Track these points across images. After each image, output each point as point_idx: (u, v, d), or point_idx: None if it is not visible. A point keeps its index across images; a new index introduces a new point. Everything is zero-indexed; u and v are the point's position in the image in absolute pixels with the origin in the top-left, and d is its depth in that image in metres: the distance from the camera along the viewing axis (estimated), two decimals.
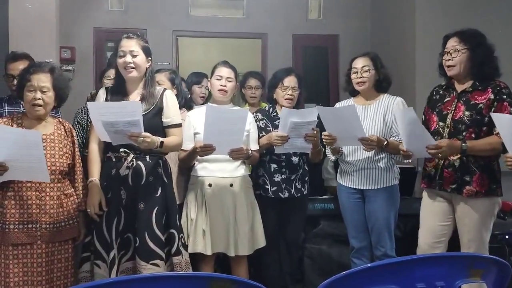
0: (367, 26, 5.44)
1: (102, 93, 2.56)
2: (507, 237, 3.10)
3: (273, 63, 4.98)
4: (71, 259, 2.41)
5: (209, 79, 2.91)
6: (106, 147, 2.48)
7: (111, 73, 3.19)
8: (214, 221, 2.68)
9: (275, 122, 2.95)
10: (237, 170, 2.76)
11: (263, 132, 2.93)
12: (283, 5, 5.40)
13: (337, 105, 3.05)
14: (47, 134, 2.38)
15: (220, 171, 2.72)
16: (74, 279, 2.43)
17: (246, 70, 3.77)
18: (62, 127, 2.47)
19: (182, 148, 2.75)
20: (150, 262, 2.39)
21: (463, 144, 2.40)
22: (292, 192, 2.96)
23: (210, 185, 2.71)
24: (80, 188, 2.48)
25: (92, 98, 3.15)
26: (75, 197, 2.45)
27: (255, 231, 2.77)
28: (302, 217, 3.10)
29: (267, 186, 2.95)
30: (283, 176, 2.95)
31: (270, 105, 3.11)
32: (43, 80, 2.33)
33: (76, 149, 2.49)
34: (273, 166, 2.96)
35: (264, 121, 3.01)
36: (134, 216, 2.43)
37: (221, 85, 2.79)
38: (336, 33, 5.48)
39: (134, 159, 2.44)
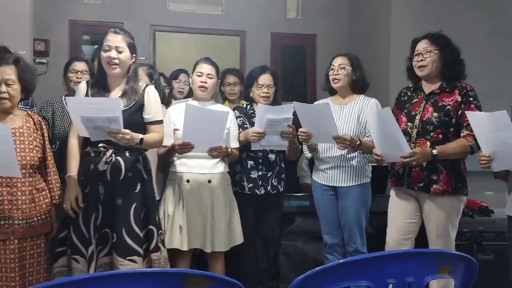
0: (344, 27, 5.50)
1: (83, 87, 2.52)
2: (475, 234, 3.19)
3: (252, 60, 4.99)
4: (43, 254, 2.39)
5: (190, 75, 2.90)
6: (85, 142, 2.45)
7: (77, 66, 3.15)
8: (191, 217, 2.68)
9: (252, 120, 2.97)
10: (216, 167, 2.77)
11: (240, 129, 2.94)
12: (262, 3, 5.41)
13: (314, 103, 3.10)
14: (16, 127, 2.33)
15: (199, 167, 2.72)
16: (47, 274, 2.40)
17: (225, 67, 3.77)
18: (31, 120, 2.42)
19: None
20: (127, 258, 2.38)
21: (433, 151, 2.46)
22: (268, 189, 2.98)
23: (188, 181, 2.71)
24: (53, 181, 2.45)
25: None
26: (47, 191, 2.42)
27: (233, 227, 2.78)
28: (278, 214, 3.13)
29: (243, 183, 2.97)
30: (260, 173, 2.97)
31: (248, 103, 3.13)
32: (7, 72, 2.28)
33: (47, 142, 2.45)
34: (250, 163, 2.98)
35: (242, 118, 3.03)
36: (112, 211, 2.41)
37: (202, 82, 2.78)
38: (314, 32, 5.53)
39: (113, 155, 2.41)
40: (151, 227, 2.50)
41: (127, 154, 2.45)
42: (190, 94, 3.33)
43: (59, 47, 5.03)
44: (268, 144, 2.84)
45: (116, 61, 2.43)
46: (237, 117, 2.99)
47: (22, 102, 2.65)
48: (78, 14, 5.12)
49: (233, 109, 3.08)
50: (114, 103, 2.24)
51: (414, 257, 1.39)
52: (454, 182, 2.55)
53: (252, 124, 2.94)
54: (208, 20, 5.38)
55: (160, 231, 2.56)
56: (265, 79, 2.99)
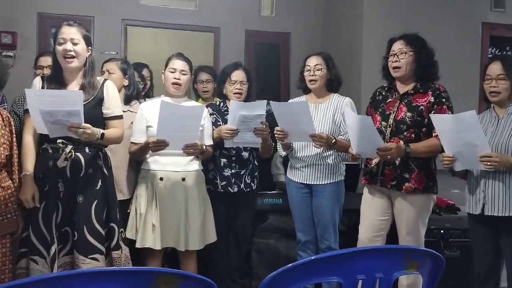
0: (318, 26, 5.53)
1: (38, 82, 2.44)
2: (442, 231, 3.27)
3: (226, 58, 4.96)
4: (9, 254, 2.31)
5: (163, 71, 2.86)
6: (41, 138, 2.38)
7: (43, 61, 3.07)
8: (164, 216, 2.65)
9: (225, 117, 2.96)
10: (190, 165, 2.74)
11: (213, 127, 2.93)
12: (236, 0, 5.39)
13: (290, 102, 3.12)
14: None
15: (173, 165, 2.69)
16: (12, 275, 2.32)
17: (198, 64, 3.75)
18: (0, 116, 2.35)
19: (133, 141, 2.70)
20: (89, 256, 2.34)
21: (406, 147, 2.52)
22: (241, 187, 2.98)
23: (161, 179, 2.68)
24: (17, 180, 2.38)
25: None
26: (13, 189, 2.34)
27: (206, 226, 2.77)
28: (251, 211, 3.14)
29: (216, 181, 2.96)
30: (233, 171, 2.97)
31: (221, 100, 3.11)
32: None
33: (14, 139, 2.37)
34: (223, 160, 2.97)
35: (215, 115, 3.02)
36: (73, 209, 2.35)
37: (175, 78, 2.74)
38: (288, 31, 5.54)
39: (72, 151, 2.35)
40: (112, 224, 2.46)
41: (87, 150, 2.40)
42: (149, 89, 3.27)
43: (27, 40, 4.89)
44: (242, 141, 2.83)
45: (72, 53, 2.36)
46: (210, 114, 2.98)
47: None
48: (47, 6, 4.98)
49: (206, 106, 3.06)
50: (75, 96, 2.19)
51: (383, 253, 1.41)
52: (425, 181, 2.62)
53: (225, 121, 2.93)
54: (182, 15, 5.32)
55: (121, 229, 2.52)
56: (238, 75, 2.98)
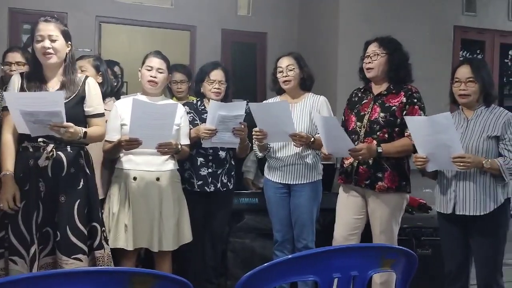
0: (294, 26, 5.56)
1: (17, 80, 2.38)
2: (414, 230, 3.33)
3: (202, 56, 4.94)
4: None
5: (139, 68, 2.82)
6: (21, 137, 2.32)
7: (10, 57, 2.97)
8: (137, 216, 2.62)
9: (202, 116, 2.95)
10: (165, 164, 2.71)
11: (190, 126, 2.91)
12: None
13: (270, 102, 3.12)
14: None
15: (146, 165, 2.66)
16: None
17: (174, 63, 3.71)
18: None
19: (107, 139, 2.65)
20: (72, 256, 2.30)
21: (378, 148, 2.56)
22: (218, 186, 2.97)
23: (135, 178, 2.64)
24: None
25: None
26: None
27: (181, 226, 2.74)
28: (227, 211, 3.13)
29: (193, 180, 2.95)
30: (210, 170, 2.96)
31: (198, 99, 3.10)
32: None
33: None
34: (200, 160, 2.96)
35: (192, 114, 3.00)
36: (54, 209, 2.31)
37: (151, 76, 2.71)
38: (264, 30, 5.55)
39: (54, 149, 2.31)
40: (94, 224, 2.42)
41: (68, 149, 2.36)
42: (120, 87, 3.24)
43: None
44: (220, 141, 2.82)
45: (51, 50, 2.31)
46: (187, 113, 2.95)
47: None
48: (19, 1, 4.86)
49: (183, 105, 3.04)
50: (56, 97, 2.15)
51: (358, 252, 1.43)
52: (398, 180, 2.66)
53: (202, 120, 2.92)
54: (157, 13, 5.27)
55: (103, 228, 2.49)
56: (217, 74, 2.97)
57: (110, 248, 2.58)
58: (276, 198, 2.99)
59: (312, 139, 2.79)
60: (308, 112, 2.92)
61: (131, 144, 2.48)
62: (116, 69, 3.51)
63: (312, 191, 2.92)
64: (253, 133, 2.78)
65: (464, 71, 2.55)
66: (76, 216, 2.34)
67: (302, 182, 2.91)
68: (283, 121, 2.68)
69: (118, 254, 2.65)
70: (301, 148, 2.84)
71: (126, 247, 2.60)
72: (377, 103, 2.71)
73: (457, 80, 2.58)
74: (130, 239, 2.60)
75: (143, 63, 2.76)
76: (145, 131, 2.45)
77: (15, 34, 4.91)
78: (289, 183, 2.93)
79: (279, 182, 2.96)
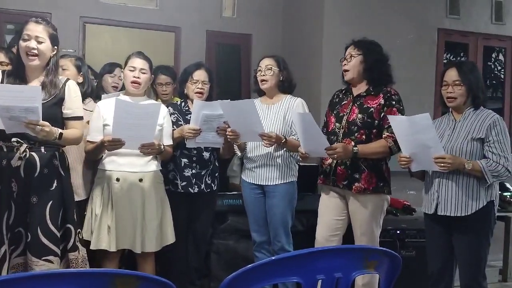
0: (279, 28, 5.57)
1: None
2: (398, 232, 3.35)
3: (186, 57, 4.91)
4: None
5: (122, 69, 2.81)
6: None
7: None
8: (120, 217, 2.60)
9: (186, 117, 2.94)
10: (148, 165, 2.69)
11: (174, 127, 2.90)
12: (197, 0, 5.36)
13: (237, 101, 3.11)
14: None
15: (129, 165, 2.64)
16: None
17: (158, 63, 3.70)
18: None
19: (89, 140, 2.63)
20: (43, 258, 2.27)
21: (354, 148, 2.57)
22: (202, 187, 2.96)
23: (117, 179, 2.62)
24: None
25: None
26: None
27: (164, 227, 2.73)
28: (211, 212, 3.12)
29: (176, 181, 2.93)
30: (194, 171, 2.94)
31: (182, 100, 3.09)
32: None
33: None
34: (184, 160, 2.94)
35: (176, 115, 2.98)
36: (26, 210, 2.28)
37: (134, 77, 2.69)
38: (249, 32, 5.56)
39: (27, 150, 2.28)
40: (68, 225, 2.39)
41: (42, 149, 2.33)
42: (123, 89, 3.21)
43: None
44: (204, 141, 2.81)
45: (35, 51, 2.30)
46: (171, 114, 2.94)
47: None
48: (2, 1, 4.80)
49: (167, 106, 3.02)
50: (33, 92, 2.12)
51: (342, 253, 1.43)
52: (375, 181, 2.67)
53: (186, 121, 2.91)
54: (142, 14, 5.24)
55: (79, 230, 2.46)
56: (200, 75, 2.96)
57: (93, 250, 2.55)
58: (252, 199, 2.98)
59: (284, 139, 2.79)
60: (283, 113, 2.92)
61: (114, 144, 2.46)
62: (117, 71, 3.45)
63: (285, 192, 2.90)
64: (226, 133, 2.77)
65: (451, 74, 2.58)
66: (48, 218, 2.31)
67: (274, 183, 2.90)
68: (251, 120, 2.67)
69: (100, 256, 2.62)
70: (271, 148, 2.83)
71: (109, 248, 2.58)
72: (356, 104, 2.72)
73: (445, 83, 2.61)
74: (113, 240, 2.58)
75: (126, 64, 2.75)
76: (128, 131, 2.43)
77: None
78: (261, 183, 2.93)
79: (253, 182, 2.96)
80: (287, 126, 2.90)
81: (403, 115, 2.65)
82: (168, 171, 2.93)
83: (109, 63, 3.55)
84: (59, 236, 2.34)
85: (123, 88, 3.28)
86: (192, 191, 2.94)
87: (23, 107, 2.08)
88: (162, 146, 2.67)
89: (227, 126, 2.77)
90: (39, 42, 2.31)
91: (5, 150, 2.30)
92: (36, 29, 2.31)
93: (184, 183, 2.93)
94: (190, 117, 2.82)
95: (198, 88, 2.94)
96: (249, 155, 2.96)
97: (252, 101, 2.76)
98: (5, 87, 2.24)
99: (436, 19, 4.84)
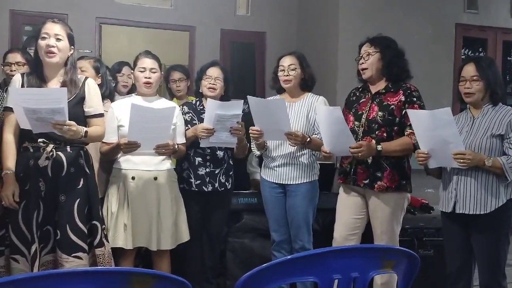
0: (293, 25, 5.56)
1: (17, 79, 2.40)
2: (416, 230, 3.30)
3: (201, 56, 4.94)
4: None
5: (132, 70, 2.82)
6: (22, 137, 2.35)
7: (10, 58, 3.00)
8: (136, 215, 2.62)
9: (201, 116, 2.94)
10: (162, 164, 2.72)
11: (188, 125, 2.91)
12: None
13: (268, 99, 3.10)
14: None
15: (144, 164, 2.67)
16: None
17: (174, 63, 3.72)
18: None
19: (104, 141, 2.66)
20: (72, 254, 2.32)
21: (377, 146, 2.54)
22: (216, 186, 2.96)
23: (133, 178, 2.65)
24: None
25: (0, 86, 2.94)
26: None
27: (179, 225, 2.75)
28: (226, 211, 3.12)
29: (191, 180, 2.94)
30: (207, 170, 2.95)
31: (197, 99, 3.09)
32: None
33: None
34: (198, 159, 2.95)
35: (190, 114, 2.99)
36: (54, 208, 2.34)
37: (146, 78, 2.72)
38: (263, 30, 5.55)
39: (53, 150, 2.33)
40: (94, 222, 2.44)
41: (68, 149, 2.38)
42: (134, 87, 3.24)
43: None
44: (217, 141, 2.81)
45: (55, 49, 2.34)
46: (186, 113, 2.96)
47: None
48: (20, 3, 4.88)
49: (182, 105, 3.03)
50: (59, 93, 2.16)
51: (359, 253, 1.42)
52: (398, 179, 2.64)
53: (201, 120, 2.91)
54: (157, 14, 5.28)
55: (104, 226, 2.51)
56: (213, 71, 2.97)
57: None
58: (272, 198, 2.97)
59: (308, 139, 2.78)
60: (306, 111, 2.91)
61: (130, 146, 2.50)
62: (125, 69, 3.48)
63: (307, 192, 2.89)
64: (249, 131, 2.77)
65: (469, 70, 2.53)
66: (76, 215, 2.36)
67: (297, 182, 2.89)
68: (280, 119, 2.67)
69: (116, 253, 2.65)
70: (295, 147, 2.83)
71: (126, 246, 2.61)
72: (375, 102, 2.69)
73: (462, 78, 2.56)
74: (129, 238, 2.61)
75: (135, 65, 2.78)
76: (143, 134, 2.47)
77: (16, 35, 4.92)
78: (283, 183, 2.92)
79: (274, 182, 2.95)
80: (310, 125, 2.88)
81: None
82: (182, 169, 2.94)
83: (117, 63, 3.57)
84: (86, 233, 2.40)
85: (133, 86, 3.31)
86: (206, 189, 2.94)
87: (50, 109, 2.12)
88: (176, 146, 2.69)
89: (240, 126, 2.77)
90: (58, 40, 2.35)
91: (31, 150, 2.34)
92: (54, 28, 2.36)
93: (198, 182, 2.94)
94: (204, 116, 2.83)
95: (210, 83, 2.94)
96: (271, 154, 2.94)
97: (283, 100, 2.74)
98: (32, 90, 2.29)
99: (454, 14, 4.77)
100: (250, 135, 2.79)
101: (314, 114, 2.88)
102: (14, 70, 2.91)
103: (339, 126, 2.49)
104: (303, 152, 2.89)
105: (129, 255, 2.67)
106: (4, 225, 2.35)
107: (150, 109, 2.56)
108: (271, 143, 2.94)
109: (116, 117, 2.68)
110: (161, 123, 2.50)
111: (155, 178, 2.68)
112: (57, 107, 2.12)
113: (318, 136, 2.81)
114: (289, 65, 2.91)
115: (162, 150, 2.57)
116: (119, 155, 2.69)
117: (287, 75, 2.90)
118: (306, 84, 2.97)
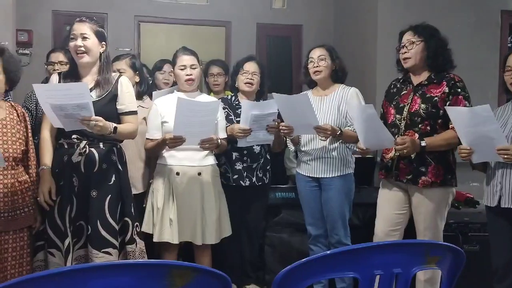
0: (330, 18, 5.48)
1: (55, 79, 2.47)
2: (460, 225, 3.21)
3: (237, 51, 4.95)
4: (26, 247, 2.33)
5: (172, 68, 2.84)
6: (58, 134, 2.41)
7: (53, 57, 3.10)
8: (181, 210, 2.66)
9: (237, 111, 2.95)
10: (206, 159, 2.74)
11: (225, 121, 2.92)
12: None
13: (291, 95, 3.08)
14: None
15: (188, 160, 2.69)
16: (30, 267, 2.36)
17: (210, 59, 3.73)
18: (15, 111, 2.36)
19: (148, 137, 2.71)
20: (102, 250, 2.35)
21: (421, 142, 2.47)
22: (253, 181, 2.97)
23: (178, 173, 2.68)
24: (34, 174, 2.40)
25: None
26: (30, 184, 2.36)
27: (222, 220, 2.77)
28: (263, 205, 3.12)
29: (228, 174, 2.96)
30: (245, 165, 2.96)
31: (232, 94, 3.10)
32: None
33: (30, 135, 2.40)
34: (235, 154, 2.96)
35: (226, 110, 3.00)
36: (87, 203, 2.38)
37: (187, 75, 2.73)
38: (299, 23, 5.50)
39: (86, 146, 2.38)
40: (126, 219, 2.47)
41: (101, 145, 2.42)
42: (174, 84, 3.28)
43: (42, 38, 4.94)
44: (255, 140, 2.83)
45: (82, 48, 2.38)
46: (222, 109, 2.97)
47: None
48: (61, 4, 5.03)
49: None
50: (81, 88, 2.18)
51: (401, 248, 1.38)
52: (443, 174, 2.56)
53: (236, 115, 2.92)
54: (193, 10, 5.32)
55: (136, 223, 2.53)
56: (250, 66, 2.97)
57: (154, 242, 2.63)
58: (307, 192, 2.95)
59: (339, 131, 2.73)
60: (337, 104, 2.86)
61: (176, 141, 2.52)
62: (167, 67, 3.52)
63: (341, 185, 2.85)
64: (280, 128, 2.75)
65: None
66: (107, 211, 2.39)
67: (330, 176, 2.85)
68: (306, 114, 2.64)
69: (160, 248, 2.70)
70: (327, 141, 2.79)
71: (172, 240, 2.65)
72: (417, 94, 2.60)
73: (508, 68, 2.45)
74: (175, 233, 2.64)
75: (174, 63, 2.79)
76: (188, 128, 2.49)
77: (58, 35, 5.07)
78: (317, 176, 2.89)
79: (308, 175, 2.92)
80: (342, 118, 2.84)
81: (469, 102, 2.52)
82: (220, 164, 2.96)
83: (159, 60, 3.62)
84: (117, 229, 2.43)
85: (175, 83, 3.34)
86: (243, 184, 2.95)
87: (75, 104, 2.15)
88: (219, 140, 2.70)
89: (277, 123, 2.76)
90: (85, 39, 2.38)
91: (66, 146, 2.41)
92: (80, 28, 2.39)
93: (235, 176, 2.95)
94: (240, 111, 2.83)
95: (248, 78, 2.94)
96: (304, 149, 2.93)
97: (306, 94, 2.74)
98: (54, 86, 2.35)
99: (499, 1, 4.57)
100: (281, 131, 2.78)
101: (345, 106, 2.83)
102: (57, 69, 2.98)
103: (373, 123, 2.45)
104: (335, 145, 2.85)
105: (173, 249, 2.71)
106: (42, 220, 2.41)
107: (196, 102, 2.59)
108: (303, 138, 2.92)
109: (160, 114, 2.71)
110: (207, 116, 2.51)
111: (199, 174, 2.70)
112: (82, 102, 2.15)
113: (351, 128, 2.76)
114: (318, 56, 2.88)
115: (206, 144, 2.59)
116: (164, 151, 2.72)
117: (317, 66, 2.87)
118: (337, 76, 2.93)
